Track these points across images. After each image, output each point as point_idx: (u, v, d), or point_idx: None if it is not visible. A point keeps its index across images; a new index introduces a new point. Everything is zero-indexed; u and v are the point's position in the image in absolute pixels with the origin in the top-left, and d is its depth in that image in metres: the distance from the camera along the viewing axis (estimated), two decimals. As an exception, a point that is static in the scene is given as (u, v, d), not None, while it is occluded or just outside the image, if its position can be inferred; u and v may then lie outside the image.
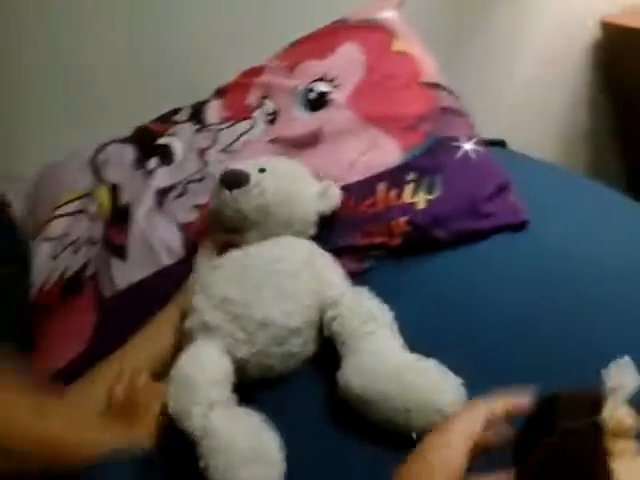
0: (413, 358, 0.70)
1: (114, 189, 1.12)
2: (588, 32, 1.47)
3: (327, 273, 0.84)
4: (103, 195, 1.12)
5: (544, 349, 0.72)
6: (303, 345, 0.80)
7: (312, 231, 0.92)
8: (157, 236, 1.02)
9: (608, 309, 0.75)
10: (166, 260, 1.01)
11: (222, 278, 0.83)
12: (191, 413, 0.71)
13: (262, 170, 0.87)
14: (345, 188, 0.99)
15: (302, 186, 0.91)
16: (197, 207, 1.05)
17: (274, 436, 0.68)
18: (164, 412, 0.74)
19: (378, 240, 0.95)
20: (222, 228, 0.91)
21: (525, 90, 1.50)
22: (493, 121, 1.18)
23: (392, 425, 0.66)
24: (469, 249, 0.91)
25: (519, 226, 0.92)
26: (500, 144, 1.22)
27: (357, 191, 0.99)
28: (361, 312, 0.76)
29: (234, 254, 0.86)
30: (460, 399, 0.65)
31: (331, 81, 1.11)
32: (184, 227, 1.03)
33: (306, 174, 0.94)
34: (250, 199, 0.85)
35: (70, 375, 0.93)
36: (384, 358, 0.70)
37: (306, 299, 0.80)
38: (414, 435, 0.63)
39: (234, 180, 0.86)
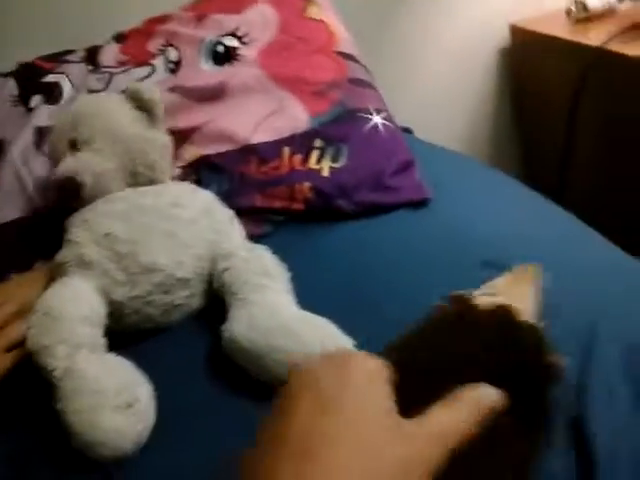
0: (306, 314, 0.67)
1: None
2: (498, 34, 1.50)
3: (226, 225, 0.79)
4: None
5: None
6: (189, 297, 0.75)
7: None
8: (32, 176, 0.91)
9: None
10: (40, 202, 0.90)
11: (107, 213, 0.76)
12: (54, 350, 0.64)
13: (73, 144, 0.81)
14: (249, 148, 0.94)
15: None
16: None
17: (146, 385, 0.63)
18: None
19: (279, 204, 0.91)
20: None
21: (434, 83, 1.51)
22: (401, 109, 1.16)
23: (277, 380, 0.61)
24: (370, 221, 0.88)
25: (421, 204, 0.90)
26: (406, 131, 1.21)
27: (261, 152, 0.94)
28: (256, 265, 0.71)
29: (125, 192, 0.79)
30: None
31: (240, 38, 1.05)
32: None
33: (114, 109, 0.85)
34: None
35: None
36: (276, 312, 0.66)
37: (200, 248, 0.75)
38: None
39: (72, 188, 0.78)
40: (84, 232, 0.74)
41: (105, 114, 0.82)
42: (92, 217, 0.76)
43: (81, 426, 0.59)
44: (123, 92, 0.87)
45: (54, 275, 0.75)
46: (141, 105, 0.83)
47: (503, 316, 0.37)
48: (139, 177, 0.81)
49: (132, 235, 0.73)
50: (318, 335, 0.63)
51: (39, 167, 0.92)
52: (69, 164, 0.79)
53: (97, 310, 0.69)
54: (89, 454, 0.59)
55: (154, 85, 0.98)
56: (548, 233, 0.82)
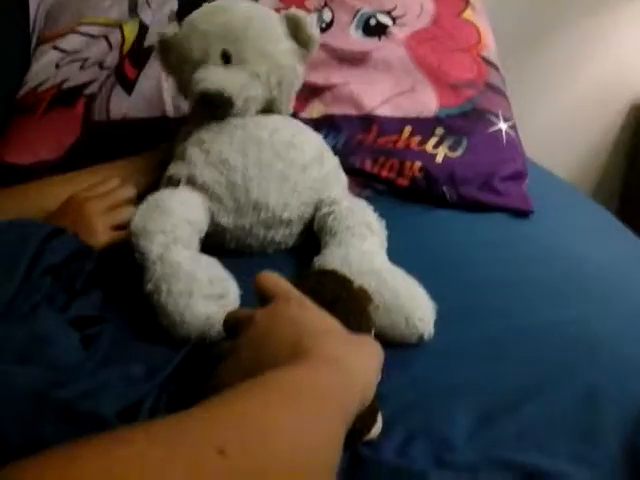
0: (398, 269, 0.68)
1: (142, 29, 1.06)
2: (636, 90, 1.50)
3: (333, 174, 0.81)
4: (131, 30, 1.06)
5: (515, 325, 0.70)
6: (288, 236, 0.77)
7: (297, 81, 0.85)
8: (170, 90, 0.97)
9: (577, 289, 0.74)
10: (170, 113, 0.96)
11: (225, 140, 0.76)
12: (153, 236, 0.66)
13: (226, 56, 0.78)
14: (372, 118, 0.97)
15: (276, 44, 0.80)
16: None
17: (235, 283, 0.65)
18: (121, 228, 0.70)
19: (386, 174, 0.93)
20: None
21: (561, 120, 1.51)
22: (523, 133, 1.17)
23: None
24: (470, 215, 0.89)
25: (521, 214, 0.90)
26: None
27: (383, 125, 0.97)
28: (359, 215, 0.74)
29: (242, 121, 0.78)
30: (430, 319, 0.63)
31: (395, 18, 1.08)
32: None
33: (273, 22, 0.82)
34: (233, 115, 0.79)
35: (30, 174, 0.88)
36: (371, 258, 0.68)
37: (307, 196, 0.77)
38: (372, 331, 0.60)
39: (218, 104, 0.77)
40: (200, 153, 0.75)
41: (265, 37, 0.79)
42: (209, 139, 0.76)
43: (175, 306, 0.61)
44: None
45: (162, 185, 0.78)
46: (298, 36, 0.81)
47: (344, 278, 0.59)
48: (272, 105, 0.83)
49: (248, 169, 0.74)
50: (405, 288, 0.64)
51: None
52: (221, 77, 0.76)
53: (201, 220, 0.72)
54: (176, 334, 0.61)
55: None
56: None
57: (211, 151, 0.76)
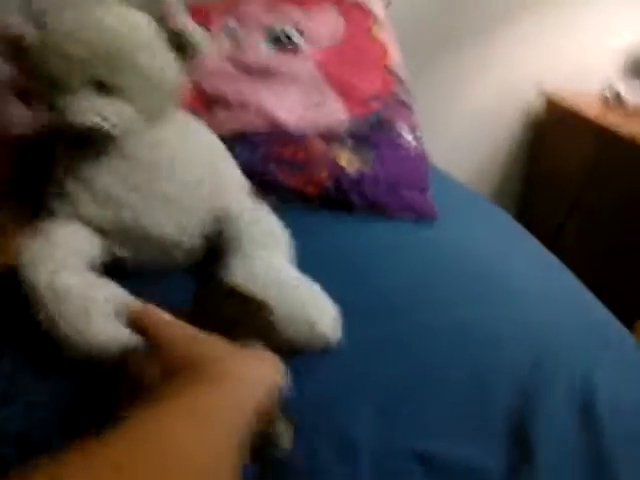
0: (304, 277, 0.70)
1: None
2: (529, 98, 1.61)
3: (231, 183, 0.80)
4: None
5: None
6: (191, 252, 0.77)
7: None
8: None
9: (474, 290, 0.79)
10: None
11: (105, 172, 0.71)
12: (40, 265, 0.64)
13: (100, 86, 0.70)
14: (284, 133, 1.00)
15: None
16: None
17: (133, 298, 0.64)
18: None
19: (294, 183, 0.96)
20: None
21: (464, 125, 1.59)
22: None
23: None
24: (377, 222, 0.94)
25: (426, 220, 0.96)
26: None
27: (293, 137, 1.00)
28: (262, 226, 0.74)
29: (120, 144, 0.71)
30: (335, 325, 0.66)
31: (304, 35, 1.12)
32: None
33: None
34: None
35: None
36: (276, 268, 0.69)
37: (203, 213, 0.75)
38: None
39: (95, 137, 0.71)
40: (82, 191, 0.71)
41: (138, 53, 0.70)
42: (89, 172, 0.72)
43: (71, 329, 0.60)
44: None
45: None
46: (180, 45, 0.74)
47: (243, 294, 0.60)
48: (156, 115, 0.75)
49: (136, 202, 0.71)
50: (310, 297, 0.66)
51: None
52: (98, 109, 0.69)
53: (92, 249, 0.70)
54: (77, 356, 0.60)
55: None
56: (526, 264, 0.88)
57: (94, 187, 0.72)
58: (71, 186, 0.72)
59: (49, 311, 0.61)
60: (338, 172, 0.96)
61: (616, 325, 0.77)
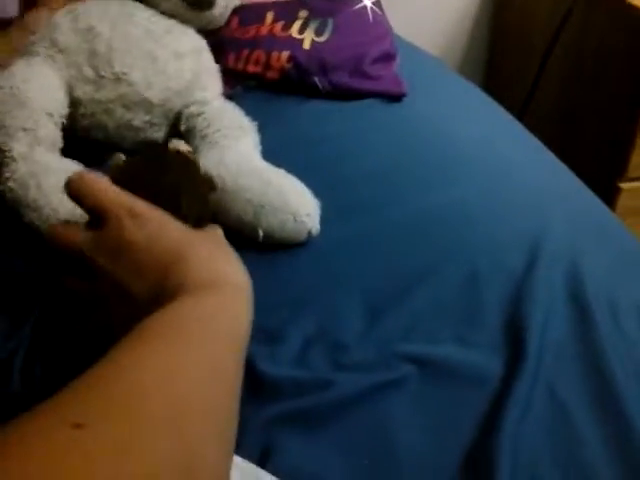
0: (275, 167, 0.66)
1: None
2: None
3: (209, 75, 0.77)
4: None
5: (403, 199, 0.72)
6: (147, 124, 0.72)
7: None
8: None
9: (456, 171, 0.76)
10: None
11: (97, 11, 0.72)
12: (13, 132, 0.62)
13: None
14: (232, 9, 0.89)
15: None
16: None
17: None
18: None
19: (253, 69, 0.87)
20: None
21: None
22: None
23: (238, 222, 0.61)
24: (343, 104, 0.87)
25: (394, 98, 0.89)
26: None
27: (243, 14, 0.90)
28: (231, 117, 0.71)
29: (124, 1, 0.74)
30: (316, 215, 0.63)
31: None
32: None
33: None
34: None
35: None
36: (247, 158, 0.65)
37: (175, 82, 0.72)
38: (260, 233, 0.60)
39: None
40: (66, 19, 0.70)
41: None
42: (82, 9, 0.72)
43: (47, 201, 0.58)
44: None
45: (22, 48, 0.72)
46: None
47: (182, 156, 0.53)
48: None
49: (115, 41, 0.69)
50: (289, 185, 0.63)
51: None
52: None
53: (61, 107, 0.67)
54: (44, 230, 0.57)
55: None
56: (507, 143, 0.84)
57: (79, 19, 0.71)
58: (58, 15, 0.72)
59: (22, 182, 0.59)
60: (297, 50, 0.87)
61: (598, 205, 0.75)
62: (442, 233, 0.67)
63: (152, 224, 0.43)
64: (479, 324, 0.57)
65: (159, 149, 0.59)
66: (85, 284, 0.45)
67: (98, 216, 0.44)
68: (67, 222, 0.53)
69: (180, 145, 0.58)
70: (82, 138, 0.71)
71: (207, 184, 0.53)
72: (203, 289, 0.39)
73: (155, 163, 0.51)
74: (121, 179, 0.48)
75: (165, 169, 0.50)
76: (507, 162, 0.79)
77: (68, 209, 0.57)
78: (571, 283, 0.61)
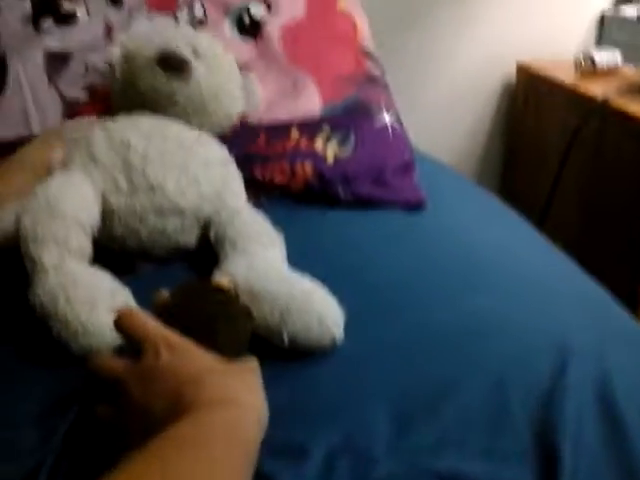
0: (302, 276, 0.67)
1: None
2: (505, 70, 1.56)
3: (236, 185, 0.81)
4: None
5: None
6: (179, 230, 0.75)
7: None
8: (36, 101, 0.89)
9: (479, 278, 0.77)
10: (37, 129, 0.88)
11: (130, 125, 0.77)
12: (45, 244, 0.63)
13: (195, 52, 0.82)
14: (258, 127, 0.95)
15: (233, 84, 0.86)
16: (90, 88, 0.93)
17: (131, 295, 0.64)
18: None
19: (279, 179, 0.90)
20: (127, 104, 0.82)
21: (439, 104, 1.55)
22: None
23: (264, 326, 0.61)
24: (365, 213, 0.89)
25: (414, 207, 0.92)
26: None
27: (270, 131, 0.94)
28: (261, 226, 0.74)
29: (155, 117, 0.80)
30: (341, 322, 0.64)
31: (269, 6, 1.05)
32: (69, 104, 0.91)
33: (236, 69, 0.88)
34: (185, 89, 0.81)
35: None
36: (276, 266, 0.68)
37: (206, 190, 0.76)
38: (285, 337, 0.60)
39: (176, 66, 0.80)
40: (102, 134, 0.75)
41: None
42: (116, 126, 0.76)
43: (76, 316, 0.59)
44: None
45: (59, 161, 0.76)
46: None
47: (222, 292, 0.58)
48: None
49: (148, 152, 0.73)
50: (316, 291, 0.64)
51: (43, 95, 0.90)
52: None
53: (93, 219, 0.69)
54: (75, 346, 0.59)
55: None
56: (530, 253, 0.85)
57: (114, 134, 0.75)
58: (93, 131, 0.76)
59: (52, 294, 0.60)
60: (320, 162, 0.90)
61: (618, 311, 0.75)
62: (468, 340, 0.66)
63: (183, 354, 0.49)
64: (509, 432, 0.56)
65: (201, 285, 0.63)
66: (113, 410, 0.49)
67: (138, 346, 0.49)
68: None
69: (222, 281, 0.62)
70: (111, 248, 0.73)
71: (245, 317, 0.56)
72: (210, 406, 0.43)
73: (195, 298, 0.55)
74: (163, 313, 0.53)
75: (204, 304, 0.55)
76: (526, 267, 0.80)
77: (98, 325, 0.59)
78: (599, 385, 0.60)
